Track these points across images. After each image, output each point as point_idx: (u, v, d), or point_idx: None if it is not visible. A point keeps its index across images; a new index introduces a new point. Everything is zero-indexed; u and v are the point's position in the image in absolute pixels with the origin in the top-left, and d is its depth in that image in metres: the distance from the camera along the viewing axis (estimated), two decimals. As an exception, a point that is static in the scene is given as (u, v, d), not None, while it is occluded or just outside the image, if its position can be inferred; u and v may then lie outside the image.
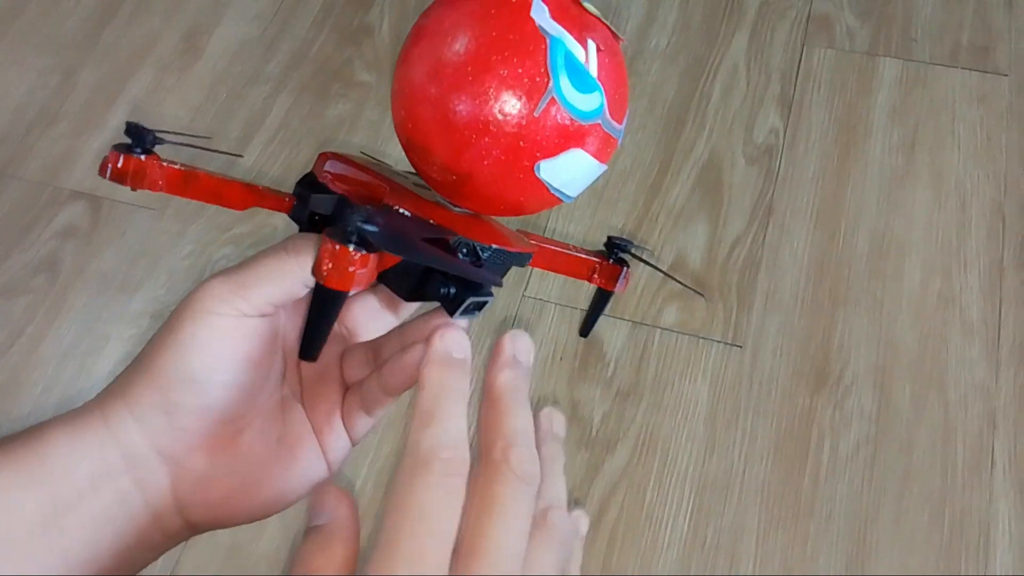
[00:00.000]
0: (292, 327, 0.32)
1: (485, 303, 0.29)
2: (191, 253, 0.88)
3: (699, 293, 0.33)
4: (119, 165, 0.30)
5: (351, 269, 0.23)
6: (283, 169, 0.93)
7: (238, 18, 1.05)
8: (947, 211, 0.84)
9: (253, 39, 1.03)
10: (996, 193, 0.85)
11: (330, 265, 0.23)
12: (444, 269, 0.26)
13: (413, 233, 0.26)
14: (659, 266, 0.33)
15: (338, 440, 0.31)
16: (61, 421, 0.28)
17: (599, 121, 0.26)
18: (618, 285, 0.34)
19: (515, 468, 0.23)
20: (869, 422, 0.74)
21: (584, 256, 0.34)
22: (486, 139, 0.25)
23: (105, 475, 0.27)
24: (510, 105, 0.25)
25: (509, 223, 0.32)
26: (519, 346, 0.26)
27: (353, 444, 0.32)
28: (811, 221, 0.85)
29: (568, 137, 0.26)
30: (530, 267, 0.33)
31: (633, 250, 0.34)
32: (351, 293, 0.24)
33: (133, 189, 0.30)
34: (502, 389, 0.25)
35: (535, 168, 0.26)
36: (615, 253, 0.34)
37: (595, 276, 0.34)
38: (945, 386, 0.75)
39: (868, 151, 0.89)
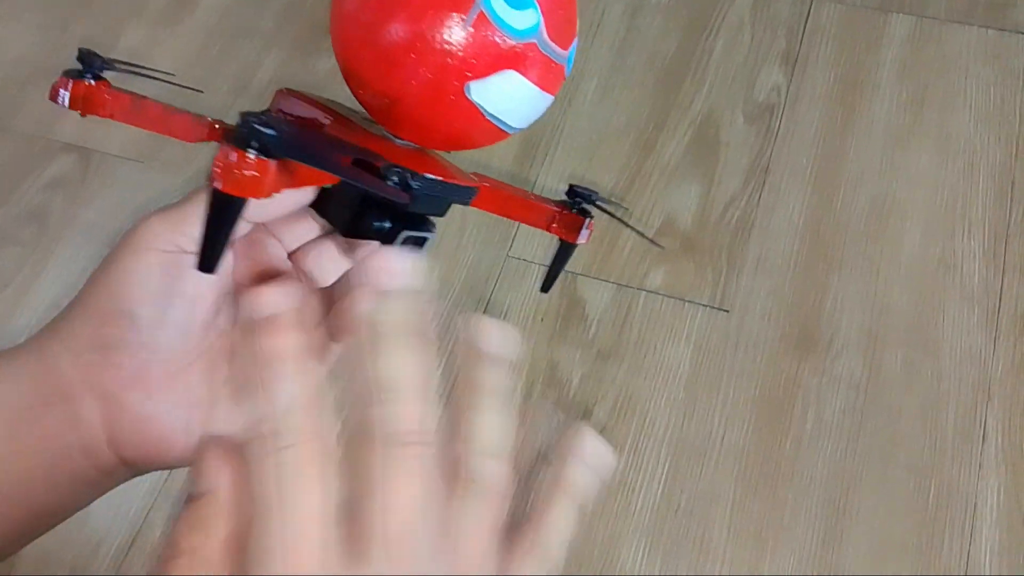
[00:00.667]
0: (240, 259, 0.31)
1: (425, 239, 0.28)
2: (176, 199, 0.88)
3: (657, 245, 0.32)
4: (67, 89, 0.29)
5: (246, 172, 0.21)
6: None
7: (232, -30, 1.04)
8: (953, 173, 0.81)
9: (246, -8, 1.02)
10: (1006, 157, 0.81)
11: (221, 168, 0.21)
12: (353, 182, 0.24)
13: (326, 148, 0.24)
14: (618, 215, 0.32)
15: None
16: None
17: (534, 40, 0.25)
18: (580, 237, 0.32)
19: (385, 431, 0.20)
20: (856, 389, 0.71)
21: (541, 203, 0.32)
22: (412, 56, 0.24)
23: (38, 408, 0.26)
24: (437, 20, 0.24)
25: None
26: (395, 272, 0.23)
27: None
28: (809, 182, 0.82)
29: (499, 56, 0.24)
30: (484, 211, 0.31)
31: (596, 200, 0.32)
32: (249, 201, 0.22)
33: (82, 115, 0.29)
34: (373, 323, 0.22)
35: (465, 89, 0.24)
36: (577, 203, 0.32)
37: (553, 226, 0.32)
38: (939, 353, 0.72)
39: (873, 110, 0.85)
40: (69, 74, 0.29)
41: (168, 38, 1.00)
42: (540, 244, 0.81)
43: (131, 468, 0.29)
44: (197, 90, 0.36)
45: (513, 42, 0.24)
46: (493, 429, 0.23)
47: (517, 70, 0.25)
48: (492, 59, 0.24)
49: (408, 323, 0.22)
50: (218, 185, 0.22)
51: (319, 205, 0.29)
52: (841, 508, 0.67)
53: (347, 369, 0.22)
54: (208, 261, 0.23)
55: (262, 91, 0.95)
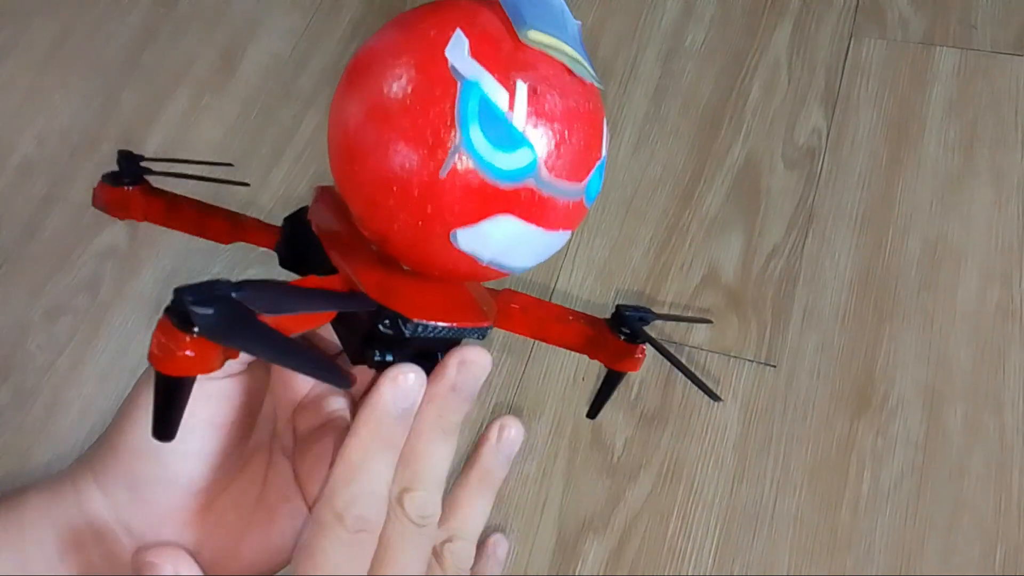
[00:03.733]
0: (280, 378, 0.30)
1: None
2: (221, 272, 0.89)
3: (715, 397, 0.28)
4: (102, 195, 0.29)
5: (187, 353, 0.20)
6: (311, 184, 0.93)
7: (270, 34, 1.06)
8: (1008, 214, 0.77)
9: (284, 55, 1.04)
10: (1065, 193, 0.77)
11: (159, 350, 0.20)
12: (294, 368, 0.22)
13: (288, 308, 0.22)
14: (671, 352, 0.27)
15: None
16: (39, 488, 0.27)
17: (529, 181, 0.21)
18: (630, 366, 0.28)
19: (408, 512, 0.23)
20: (915, 448, 0.68)
21: (582, 325, 0.28)
22: (391, 201, 0.22)
23: (75, 547, 0.26)
24: (411, 162, 0.21)
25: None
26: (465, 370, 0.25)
27: None
28: (856, 228, 0.79)
29: (486, 202, 0.21)
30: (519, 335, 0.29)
31: (646, 332, 0.28)
32: (195, 377, 0.21)
33: (120, 219, 0.30)
34: (426, 420, 0.24)
35: (452, 237, 0.22)
36: (622, 328, 0.28)
37: (593, 351, 0.29)
38: (1002, 408, 0.69)
39: (921, 150, 0.82)
40: (106, 179, 0.29)
41: (211, 103, 1.02)
42: (580, 294, 0.80)
43: None
44: (244, 183, 0.36)
45: (503, 186, 0.21)
46: (482, 517, 0.27)
47: (512, 214, 0.22)
48: (478, 205, 0.21)
49: (461, 421, 0.24)
50: (154, 364, 0.20)
51: (336, 323, 0.27)
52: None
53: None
54: (164, 432, 0.22)
55: (300, 152, 0.97)
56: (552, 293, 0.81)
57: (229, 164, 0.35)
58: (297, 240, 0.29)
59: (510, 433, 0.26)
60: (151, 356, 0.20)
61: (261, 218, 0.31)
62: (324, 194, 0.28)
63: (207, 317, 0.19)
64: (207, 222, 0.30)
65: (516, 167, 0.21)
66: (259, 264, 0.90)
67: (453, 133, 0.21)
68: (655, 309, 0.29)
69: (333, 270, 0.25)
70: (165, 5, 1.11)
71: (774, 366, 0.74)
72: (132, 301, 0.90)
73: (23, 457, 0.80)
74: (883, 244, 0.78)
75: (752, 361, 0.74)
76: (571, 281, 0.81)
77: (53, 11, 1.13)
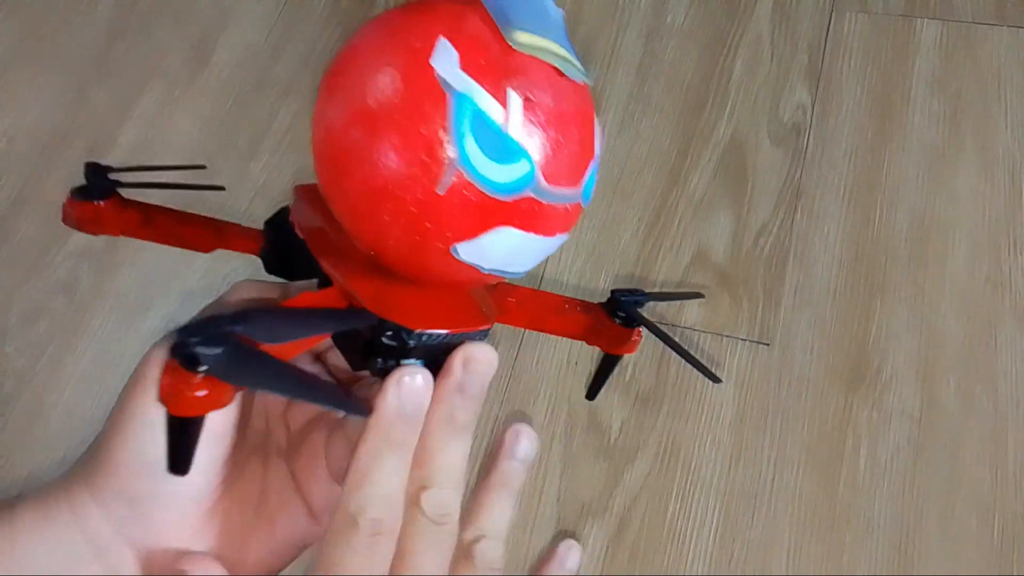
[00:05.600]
0: None
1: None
2: (203, 270, 0.88)
3: (715, 379, 0.28)
4: (73, 212, 0.28)
5: (197, 394, 0.19)
6: (291, 176, 0.91)
7: (243, 23, 1.03)
8: (995, 185, 0.77)
9: (258, 44, 1.02)
10: (1050, 162, 0.78)
11: (168, 392, 0.19)
12: (310, 402, 0.23)
13: (290, 334, 0.22)
14: (667, 334, 0.28)
15: (324, 489, 0.29)
16: (30, 503, 0.27)
17: (529, 192, 0.21)
18: (627, 348, 0.28)
19: (425, 510, 0.23)
20: (910, 421, 0.68)
21: (578, 313, 0.28)
22: (385, 217, 0.21)
23: (73, 563, 0.26)
24: (406, 179, 0.20)
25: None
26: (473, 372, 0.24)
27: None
28: (844, 204, 0.79)
29: (486, 216, 0.21)
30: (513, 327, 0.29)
31: (641, 314, 0.28)
32: (206, 416, 0.21)
33: (93, 235, 0.28)
34: (436, 420, 0.24)
35: (452, 250, 0.21)
36: (618, 313, 0.28)
37: (592, 338, 0.29)
38: (995, 379, 0.69)
39: (906, 123, 0.82)
40: (75, 194, 0.27)
41: (184, 95, 1.00)
42: (569, 280, 0.79)
43: None
44: (219, 188, 0.35)
45: (502, 198, 0.21)
46: (507, 518, 0.26)
47: (511, 225, 0.21)
48: (478, 220, 0.21)
49: (475, 419, 0.24)
50: (168, 409, 0.20)
51: (336, 334, 0.26)
52: (903, 550, 0.64)
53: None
54: (179, 467, 0.21)
55: (279, 143, 0.95)
56: (541, 278, 0.80)
57: (202, 167, 0.34)
58: (281, 244, 0.28)
59: (524, 442, 0.26)
60: (163, 400, 0.20)
61: (242, 210, 0.30)
62: (305, 193, 0.27)
63: (216, 356, 0.19)
64: (186, 232, 0.29)
65: (514, 179, 0.21)
66: (239, 259, 0.88)
67: (448, 148, 0.20)
68: (646, 290, 0.29)
69: (321, 272, 0.25)
70: (133, -4, 1.08)
71: (767, 344, 0.73)
72: (111, 301, 0.88)
73: (5, 465, 0.78)
74: (871, 219, 0.78)
75: (745, 340, 0.74)
76: (560, 265, 0.80)
77: (17, 6, 1.09)
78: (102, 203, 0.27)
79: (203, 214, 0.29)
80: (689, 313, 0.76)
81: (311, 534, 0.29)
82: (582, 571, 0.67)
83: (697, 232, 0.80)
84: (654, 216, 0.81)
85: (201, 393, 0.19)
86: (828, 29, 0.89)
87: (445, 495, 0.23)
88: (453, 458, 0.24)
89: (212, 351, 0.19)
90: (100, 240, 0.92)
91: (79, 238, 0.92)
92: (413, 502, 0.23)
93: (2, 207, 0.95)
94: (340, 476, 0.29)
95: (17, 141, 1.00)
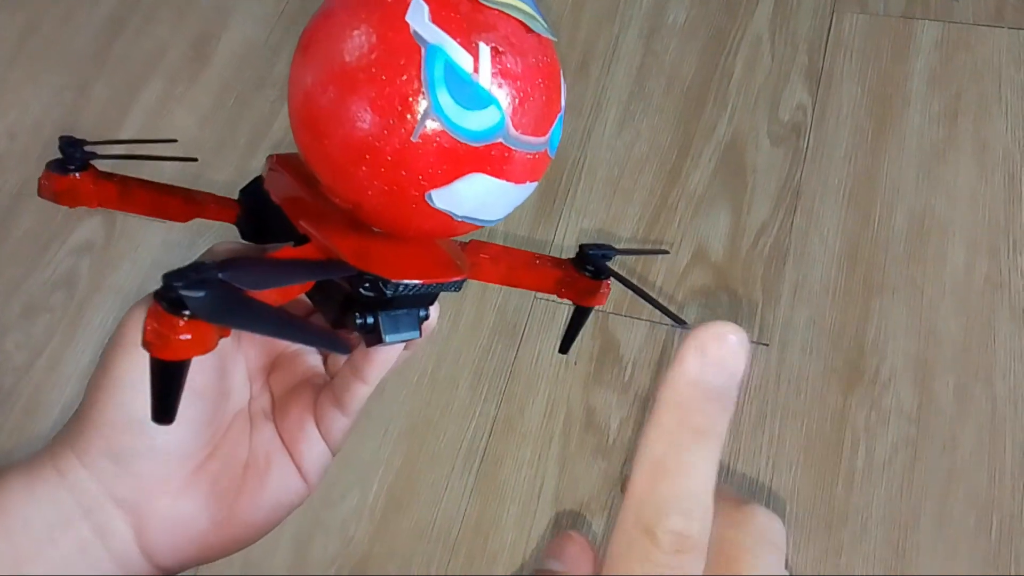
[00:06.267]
0: (252, 342, 0.30)
1: (421, 319, 0.27)
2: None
3: (681, 323, 0.28)
4: (50, 184, 0.28)
5: (180, 337, 0.20)
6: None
7: (244, 21, 1.04)
8: (993, 186, 0.78)
9: (259, 42, 1.02)
10: (1049, 163, 0.78)
11: (153, 335, 0.20)
12: (294, 340, 0.23)
13: (272, 282, 0.22)
14: (635, 283, 0.28)
15: (313, 449, 0.29)
16: (17, 471, 0.27)
17: (499, 139, 0.22)
18: (596, 300, 0.30)
19: (662, 545, 0.17)
20: (908, 421, 0.69)
21: (549, 268, 0.30)
22: (364, 168, 0.22)
23: (63, 525, 0.26)
24: (381, 130, 0.21)
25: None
26: (716, 344, 0.17)
27: (332, 451, 0.30)
28: (843, 203, 0.79)
29: (459, 162, 0.22)
30: (483, 282, 0.29)
31: (609, 265, 0.29)
32: (189, 360, 0.21)
33: (70, 207, 0.29)
34: (672, 419, 0.17)
35: (427, 197, 0.22)
36: (586, 266, 0.29)
37: (563, 290, 0.30)
38: (992, 379, 0.69)
39: (905, 124, 0.82)
40: (52, 167, 0.28)
41: (185, 93, 1.00)
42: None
43: (166, 572, 0.28)
44: (192, 159, 0.35)
45: (473, 145, 0.22)
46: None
47: (483, 172, 0.22)
48: (450, 166, 0.22)
49: (715, 412, 0.17)
50: (151, 352, 0.20)
51: (312, 291, 0.27)
52: (900, 549, 0.64)
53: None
54: (164, 415, 0.22)
55: (279, 140, 0.95)
56: (541, 277, 0.80)
57: (173, 140, 0.35)
58: (257, 212, 0.29)
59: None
60: (146, 344, 0.20)
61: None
62: (279, 162, 0.28)
63: (199, 299, 0.19)
64: (163, 202, 0.29)
65: (485, 127, 0.22)
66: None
67: (421, 98, 0.21)
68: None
69: (299, 238, 0.25)
70: (135, -7, 1.08)
71: (766, 344, 0.73)
72: (111, 297, 0.88)
73: (4, 460, 0.78)
74: (870, 218, 0.78)
75: (744, 339, 0.74)
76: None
77: (19, 3, 1.10)
78: (78, 175, 0.27)
79: (180, 186, 0.30)
80: (688, 312, 0.76)
81: (300, 494, 0.29)
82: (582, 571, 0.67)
83: (697, 231, 0.80)
84: (654, 215, 0.81)
85: (185, 337, 0.20)
86: (828, 30, 0.89)
87: (684, 522, 0.17)
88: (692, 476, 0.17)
89: (196, 294, 0.19)
90: (100, 236, 0.92)
91: (79, 234, 0.92)
92: (647, 530, 0.17)
93: (3, 203, 0.95)
94: (331, 437, 0.30)
95: (18, 138, 1.00)
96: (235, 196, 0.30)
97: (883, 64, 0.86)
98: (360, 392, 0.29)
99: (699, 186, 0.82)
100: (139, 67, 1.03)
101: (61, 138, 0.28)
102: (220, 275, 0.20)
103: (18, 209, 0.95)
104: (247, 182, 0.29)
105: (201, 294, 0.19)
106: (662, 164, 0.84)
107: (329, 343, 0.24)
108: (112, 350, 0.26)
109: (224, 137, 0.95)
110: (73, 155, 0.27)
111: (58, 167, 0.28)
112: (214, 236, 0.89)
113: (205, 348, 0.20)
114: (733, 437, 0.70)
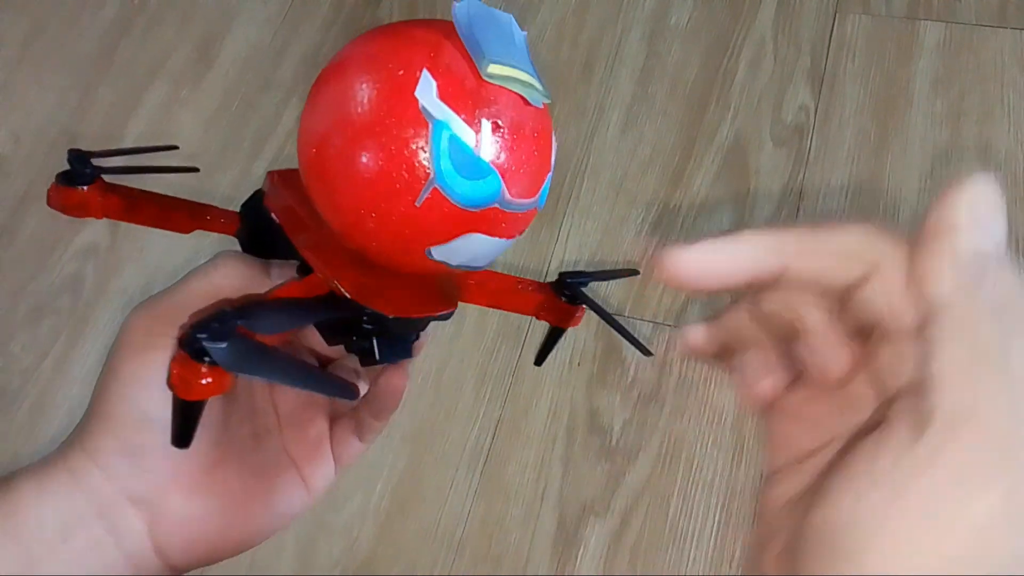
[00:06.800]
0: None
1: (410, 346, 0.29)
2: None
3: (646, 352, 0.32)
4: (59, 198, 0.29)
5: (203, 382, 0.22)
6: (296, 177, 0.92)
7: (248, 24, 1.04)
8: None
9: (264, 45, 1.02)
10: (1053, 164, 0.78)
11: (178, 379, 0.22)
12: (306, 388, 0.25)
13: (284, 325, 0.25)
14: (606, 311, 0.31)
15: (322, 467, 0.31)
16: (28, 474, 0.27)
17: (495, 205, 0.24)
18: (571, 323, 0.32)
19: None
20: (912, 422, 0.69)
21: (530, 292, 0.32)
22: (370, 225, 0.24)
23: (76, 524, 0.26)
24: (389, 194, 0.23)
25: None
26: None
27: (338, 469, 0.32)
28: (846, 205, 0.79)
29: (458, 224, 0.24)
30: (472, 304, 0.31)
31: (586, 296, 0.31)
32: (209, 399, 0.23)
33: (79, 218, 0.30)
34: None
35: (427, 252, 0.25)
36: (564, 292, 0.31)
37: (543, 313, 0.32)
38: (997, 380, 0.69)
39: (908, 125, 0.82)
40: (60, 180, 0.29)
41: (190, 96, 1.00)
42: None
43: (175, 571, 0.28)
44: (193, 169, 0.36)
45: (472, 210, 0.24)
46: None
47: (479, 232, 0.24)
48: (450, 228, 0.24)
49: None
50: (177, 394, 0.23)
51: None
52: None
53: None
54: (182, 441, 0.24)
55: (283, 144, 0.95)
56: (545, 278, 0.80)
57: (174, 147, 0.36)
58: (257, 226, 0.30)
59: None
60: (171, 386, 0.23)
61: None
62: (281, 179, 0.29)
63: (222, 351, 0.22)
64: (167, 214, 0.30)
65: (484, 195, 0.24)
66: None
67: (428, 168, 0.23)
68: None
69: (297, 254, 0.27)
70: (139, -3, 1.08)
71: (769, 345, 0.73)
72: (116, 299, 0.89)
73: (9, 462, 0.79)
74: (874, 220, 0.78)
75: (747, 340, 0.74)
76: (564, 265, 0.80)
77: (24, 6, 1.10)
78: (85, 189, 0.28)
79: (184, 197, 0.31)
80: (691, 314, 0.76)
81: (305, 505, 0.31)
82: (582, 571, 0.68)
83: (700, 232, 0.80)
84: (657, 216, 0.82)
85: (206, 381, 0.22)
86: (831, 31, 0.89)
87: None
88: None
89: (218, 346, 0.22)
90: (105, 239, 0.92)
91: (84, 237, 0.93)
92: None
93: (8, 206, 0.95)
94: (343, 460, 0.31)
95: (23, 141, 1.00)
96: (239, 202, 0.31)
97: (886, 65, 0.86)
98: (378, 428, 0.31)
99: (702, 188, 0.83)
100: (144, 70, 1.03)
101: (70, 151, 0.29)
102: (240, 323, 0.23)
103: (23, 213, 0.95)
104: (248, 196, 0.30)
105: (223, 346, 0.22)
106: (665, 166, 0.84)
107: (339, 391, 0.26)
108: (118, 354, 0.27)
109: (228, 139, 0.96)
110: (82, 171, 0.28)
111: (66, 180, 0.29)
112: (215, 239, 0.89)
113: (223, 389, 0.23)
114: (736, 437, 0.70)
